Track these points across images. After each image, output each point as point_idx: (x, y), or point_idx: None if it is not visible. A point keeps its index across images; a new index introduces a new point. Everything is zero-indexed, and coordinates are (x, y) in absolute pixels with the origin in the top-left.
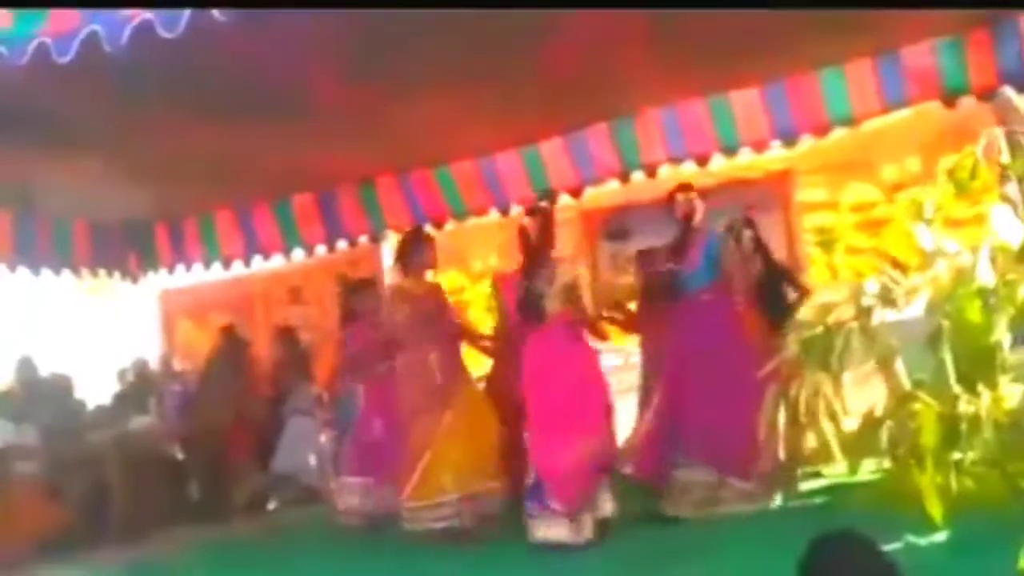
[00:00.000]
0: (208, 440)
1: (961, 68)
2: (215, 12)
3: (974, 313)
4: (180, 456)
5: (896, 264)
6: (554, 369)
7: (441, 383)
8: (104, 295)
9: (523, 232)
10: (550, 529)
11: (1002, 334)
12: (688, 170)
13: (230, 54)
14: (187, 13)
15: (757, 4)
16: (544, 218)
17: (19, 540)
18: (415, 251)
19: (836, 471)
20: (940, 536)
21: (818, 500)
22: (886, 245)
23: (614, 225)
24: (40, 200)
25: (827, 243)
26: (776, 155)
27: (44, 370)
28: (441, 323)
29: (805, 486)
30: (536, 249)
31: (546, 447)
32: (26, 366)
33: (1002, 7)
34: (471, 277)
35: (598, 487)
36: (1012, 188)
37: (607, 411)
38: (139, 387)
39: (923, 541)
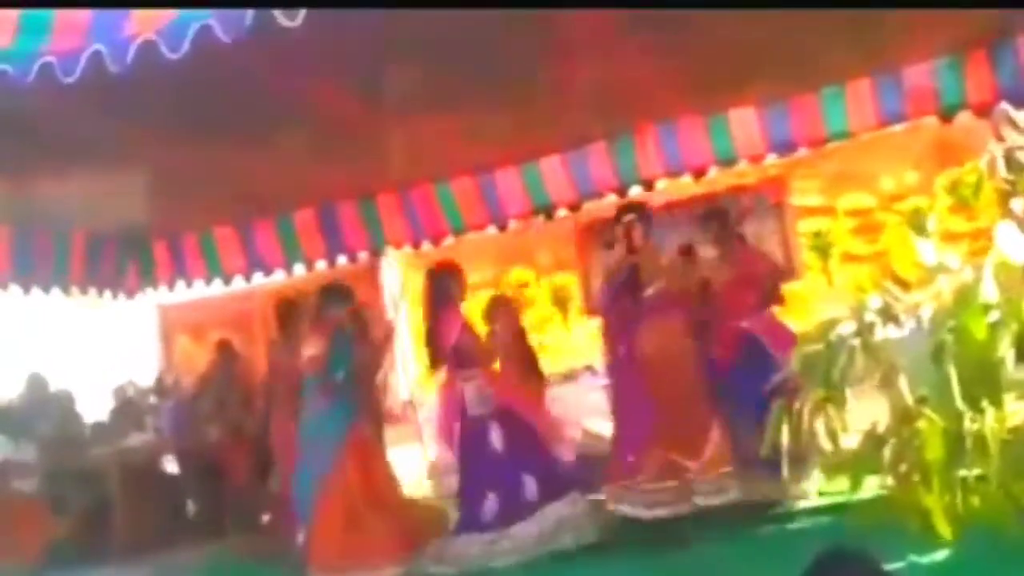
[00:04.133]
0: (205, 456)
1: (959, 86)
2: (219, 32)
3: (978, 330)
4: (178, 472)
5: (897, 279)
6: None
7: None
8: (102, 310)
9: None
10: None
11: (1006, 350)
12: (684, 180)
13: (232, 72)
14: (190, 34)
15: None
16: None
17: (18, 556)
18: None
19: (838, 488)
20: (942, 555)
21: (820, 518)
22: (887, 259)
23: (610, 235)
24: (39, 215)
25: (822, 248)
26: (772, 162)
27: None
28: None
29: (807, 504)
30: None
31: None
32: (35, 382)
33: (1004, 7)
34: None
35: None
36: (1018, 204)
37: None
38: (137, 403)
39: (925, 560)
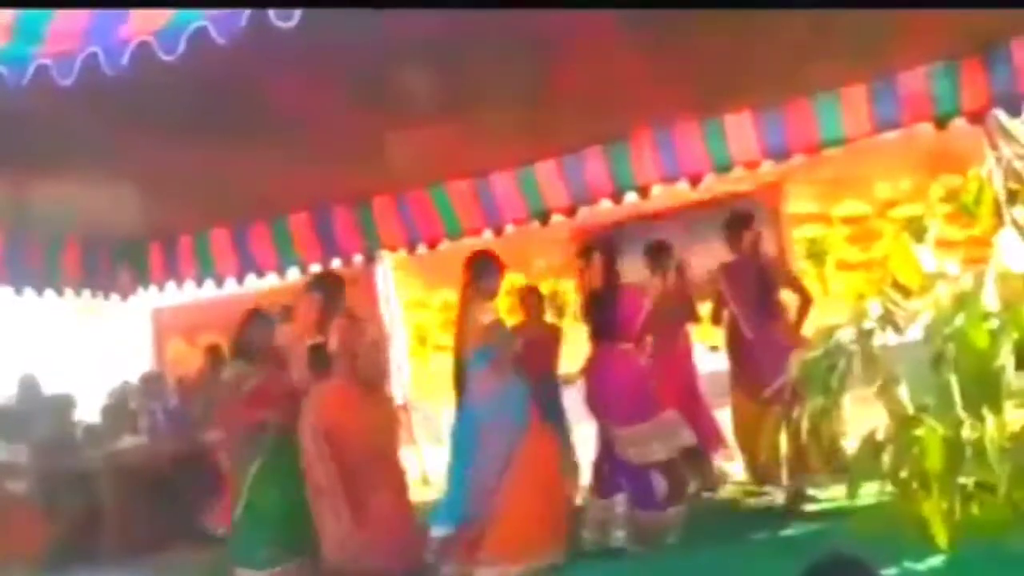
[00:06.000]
0: (198, 459)
1: (954, 92)
2: (215, 34)
3: (979, 337)
4: (170, 476)
5: (898, 286)
6: None
7: None
8: (96, 313)
9: None
10: None
11: (1007, 358)
12: (681, 188)
13: (227, 74)
14: (186, 35)
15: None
16: None
17: (10, 559)
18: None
19: (835, 495)
20: (939, 561)
21: (816, 524)
22: (882, 266)
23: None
24: (33, 217)
25: (817, 255)
26: (768, 168)
27: (41, 388)
28: None
29: (804, 509)
30: None
31: None
32: (28, 384)
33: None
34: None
35: None
36: (1020, 213)
37: None
38: (130, 406)
39: (921, 567)
